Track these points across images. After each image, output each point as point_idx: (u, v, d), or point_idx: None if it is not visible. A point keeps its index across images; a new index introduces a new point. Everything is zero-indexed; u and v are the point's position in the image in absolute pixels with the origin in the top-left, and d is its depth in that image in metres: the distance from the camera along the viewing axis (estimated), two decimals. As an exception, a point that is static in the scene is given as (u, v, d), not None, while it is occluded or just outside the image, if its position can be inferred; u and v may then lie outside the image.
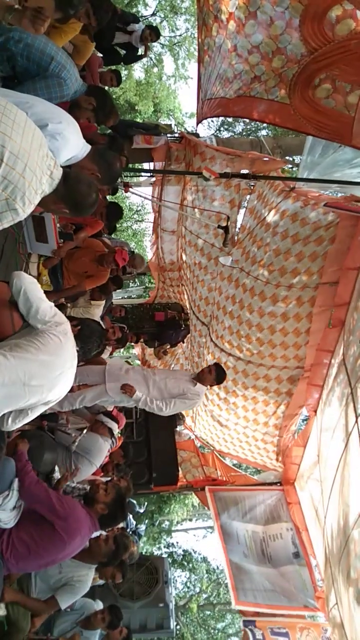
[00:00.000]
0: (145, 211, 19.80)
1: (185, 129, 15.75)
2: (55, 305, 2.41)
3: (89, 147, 2.67)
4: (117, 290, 7.64)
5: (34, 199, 1.92)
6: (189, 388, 4.51)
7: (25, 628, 2.97)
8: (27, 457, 2.92)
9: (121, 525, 4.15)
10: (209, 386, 4.85)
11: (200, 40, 4.36)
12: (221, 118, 14.96)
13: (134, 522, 6.62)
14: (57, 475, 3.54)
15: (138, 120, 13.35)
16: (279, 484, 6.48)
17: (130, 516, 6.38)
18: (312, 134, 3.52)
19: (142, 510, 8.36)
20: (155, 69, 16.38)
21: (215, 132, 16.27)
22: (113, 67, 6.25)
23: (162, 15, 15.47)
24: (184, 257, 7.12)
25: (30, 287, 2.23)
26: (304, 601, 5.32)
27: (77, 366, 2.45)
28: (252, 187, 5.10)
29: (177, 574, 18.89)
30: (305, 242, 4.47)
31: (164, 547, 19.72)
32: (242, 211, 5.38)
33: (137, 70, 16.17)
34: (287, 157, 8.29)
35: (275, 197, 4.59)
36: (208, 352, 6.45)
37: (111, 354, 6.81)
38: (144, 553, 14.12)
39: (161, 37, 10.08)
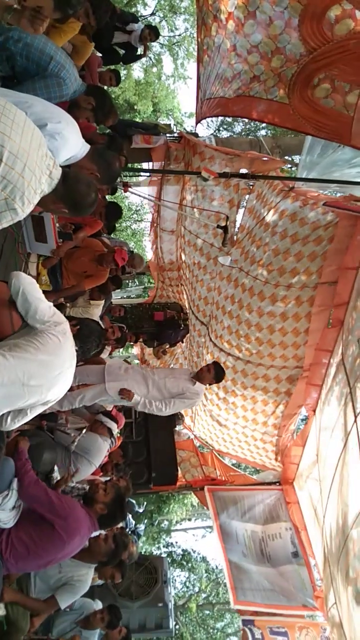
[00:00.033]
0: (145, 211, 19.82)
1: (184, 128, 15.77)
2: (55, 305, 2.41)
3: (88, 146, 2.67)
4: (117, 290, 7.64)
5: (33, 198, 1.92)
6: (188, 387, 4.52)
7: (24, 628, 2.97)
8: (27, 455, 2.92)
9: (120, 525, 4.15)
10: (207, 385, 4.86)
11: (199, 40, 4.36)
12: (220, 118, 14.98)
13: (133, 522, 6.62)
14: (56, 475, 3.54)
15: (137, 120, 13.35)
16: (278, 484, 6.48)
17: (130, 516, 6.38)
18: (311, 133, 3.53)
19: (141, 510, 8.36)
20: (155, 69, 16.36)
21: (215, 131, 16.27)
22: (112, 67, 6.24)
23: (161, 15, 15.46)
24: (183, 257, 7.12)
25: (29, 287, 2.23)
26: (302, 600, 5.33)
27: (77, 366, 2.45)
28: (251, 187, 5.10)
29: (176, 573, 18.91)
30: (304, 242, 4.47)
31: (163, 546, 19.73)
32: (241, 211, 5.39)
33: (136, 70, 16.19)
34: (286, 157, 8.29)
35: (274, 196, 4.59)
36: (207, 351, 6.45)
37: (110, 353, 6.81)
38: (143, 553, 14.13)
39: (160, 37, 10.07)
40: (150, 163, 6.62)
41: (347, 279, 4.24)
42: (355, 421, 3.83)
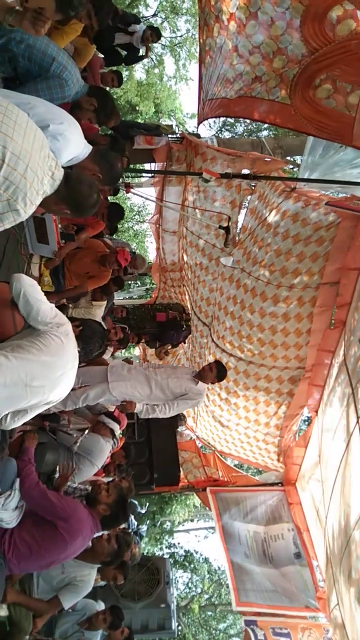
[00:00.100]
0: (147, 212, 19.83)
1: (186, 129, 15.76)
2: (57, 306, 2.42)
3: (90, 147, 2.67)
4: (119, 291, 7.65)
5: (35, 199, 1.92)
6: (191, 387, 4.51)
7: (27, 628, 2.97)
8: (31, 456, 2.92)
9: (123, 526, 4.15)
10: (210, 384, 4.85)
11: (201, 41, 4.37)
12: (222, 119, 14.97)
13: (136, 523, 6.63)
14: (58, 476, 3.54)
15: (139, 120, 13.34)
16: (280, 485, 6.47)
17: (132, 517, 6.38)
18: (313, 134, 3.52)
19: (143, 511, 8.38)
20: (157, 70, 16.37)
21: (217, 132, 16.28)
22: (114, 68, 6.26)
23: (163, 16, 15.47)
24: (185, 258, 7.12)
25: (30, 289, 2.23)
26: (305, 602, 5.32)
27: (79, 367, 2.45)
28: (253, 188, 5.10)
29: (178, 574, 18.88)
30: (306, 243, 4.47)
31: (166, 547, 19.70)
32: (243, 212, 5.38)
33: (138, 71, 16.18)
34: (288, 158, 8.29)
35: (276, 197, 4.59)
36: (209, 352, 6.45)
37: (112, 354, 6.81)
38: (145, 554, 14.12)
39: (162, 38, 10.07)
40: (153, 164, 6.63)
41: (350, 279, 4.24)
42: (357, 422, 3.83)
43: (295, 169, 9.54)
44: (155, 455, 6.58)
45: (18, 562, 2.67)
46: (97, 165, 2.66)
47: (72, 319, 2.55)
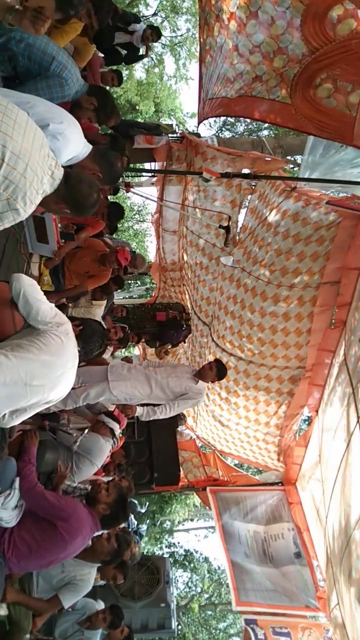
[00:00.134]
0: (147, 211, 19.83)
1: (186, 129, 15.75)
2: (57, 306, 2.41)
3: (90, 147, 2.67)
4: (118, 291, 7.64)
5: (35, 199, 1.92)
6: (191, 387, 4.51)
7: (26, 628, 2.97)
8: (31, 455, 2.92)
9: (122, 525, 4.15)
10: (210, 382, 4.85)
11: (202, 40, 4.37)
12: (222, 118, 14.96)
13: (136, 522, 6.63)
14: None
15: (139, 120, 13.35)
16: (280, 484, 6.47)
17: (132, 516, 6.38)
18: (313, 133, 3.52)
19: (143, 510, 8.38)
20: (157, 69, 16.37)
21: (217, 132, 16.27)
22: (114, 67, 6.25)
23: (163, 15, 15.46)
24: (185, 257, 7.12)
25: (29, 289, 2.23)
26: (305, 601, 5.32)
27: (79, 366, 2.45)
28: (253, 187, 5.10)
29: (178, 574, 18.88)
30: (306, 242, 4.47)
31: (166, 547, 19.70)
32: (243, 211, 5.38)
33: (138, 70, 16.18)
34: (288, 157, 8.29)
35: (276, 197, 4.59)
36: (209, 352, 6.45)
37: (112, 354, 6.81)
38: (145, 553, 14.12)
39: (162, 37, 10.06)
40: (153, 163, 6.63)
41: (350, 279, 4.23)
42: (358, 422, 3.83)
43: (295, 169, 9.52)
44: (155, 455, 6.58)
45: (18, 562, 2.67)
46: (97, 164, 2.66)
47: (72, 319, 2.54)
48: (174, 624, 6.18)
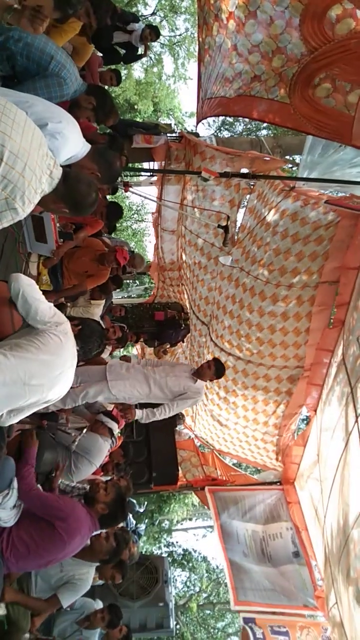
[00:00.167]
0: (146, 211, 19.82)
1: (185, 128, 15.76)
2: (55, 305, 2.41)
3: (88, 146, 2.67)
4: (117, 290, 7.64)
5: (33, 198, 1.92)
6: (190, 386, 4.51)
7: (25, 627, 2.97)
8: (30, 456, 2.91)
9: (121, 524, 4.15)
10: (209, 381, 4.85)
11: (200, 40, 4.36)
12: (221, 117, 14.96)
13: (134, 522, 6.62)
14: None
15: (138, 119, 13.35)
16: (278, 484, 6.48)
17: (130, 515, 6.37)
18: (312, 133, 3.52)
19: (142, 510, 8.36)
20: (155, 69, 16.35)
21: (215, 131, 16.26)
22: (113, 67, 6.24)
23: (162, 15, 15.45)
24: (183, 257, 7.12)
25: (28, 289, 2.23)
26: (303, 600, 5.33)
27: (78, 366, 2.45)
28: (252, 187, 5.10)
29: (176, 573, 18.91)
30: (305, 242, 4.47)
31: (164, 546, 19.72)
32: (242, 210, 5.38)
33: (137, 70, 16.18)
34: (287, 157, 8.30)
35: (275, 196, 4.59)
36: (208, 351, 6.45)
37: (111, 353, 6.81)
38: (143, 552, 14.13)
39: (161, 37, 10.05)
40: (151, 163, 6.62)
41: (348, 279, 4.24)
42: (356, 421, 3.83)
43: (294, 168, 9.53)
44: (153, 454, 6.58)
45: (16, 561, 2.67)
46: (96, 164, 2.65)
47: (70, 318, 2.54)
48: (172, 623, 6.19)
